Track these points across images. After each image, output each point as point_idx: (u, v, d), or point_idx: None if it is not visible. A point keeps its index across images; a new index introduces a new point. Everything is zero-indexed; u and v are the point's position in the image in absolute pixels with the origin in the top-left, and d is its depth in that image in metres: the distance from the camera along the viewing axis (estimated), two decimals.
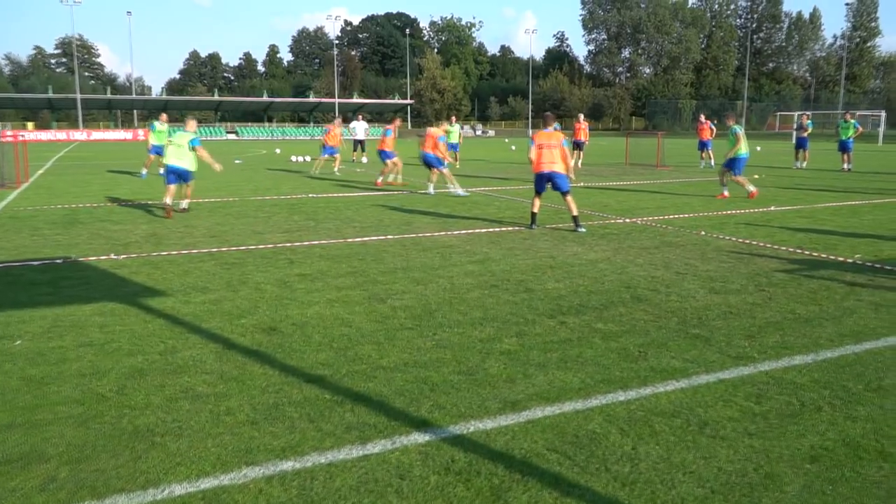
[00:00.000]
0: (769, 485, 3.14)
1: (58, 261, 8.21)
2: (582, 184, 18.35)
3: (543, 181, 10.59)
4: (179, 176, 12.35)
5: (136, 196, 15.65)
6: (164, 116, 20.41)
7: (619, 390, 4.27)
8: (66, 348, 5.03)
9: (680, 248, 8.93)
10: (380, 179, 18.11)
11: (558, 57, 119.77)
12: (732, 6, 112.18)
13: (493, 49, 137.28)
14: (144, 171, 21.09)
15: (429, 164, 15.86)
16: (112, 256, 8.45)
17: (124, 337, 5.30)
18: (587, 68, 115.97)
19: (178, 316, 5.89)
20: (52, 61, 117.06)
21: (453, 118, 27.20)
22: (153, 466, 3.36)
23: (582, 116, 25.53)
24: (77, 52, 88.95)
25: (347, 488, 3.16)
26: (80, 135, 66.74)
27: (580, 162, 25.49)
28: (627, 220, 11.52)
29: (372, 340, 5.26)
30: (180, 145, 12.30)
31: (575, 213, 10.43)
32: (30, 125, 71.77)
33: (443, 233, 10.29)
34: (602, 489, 3.13)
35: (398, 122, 18.95)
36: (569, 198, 10.47)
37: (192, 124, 12.93)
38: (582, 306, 6.18)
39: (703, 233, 10.16)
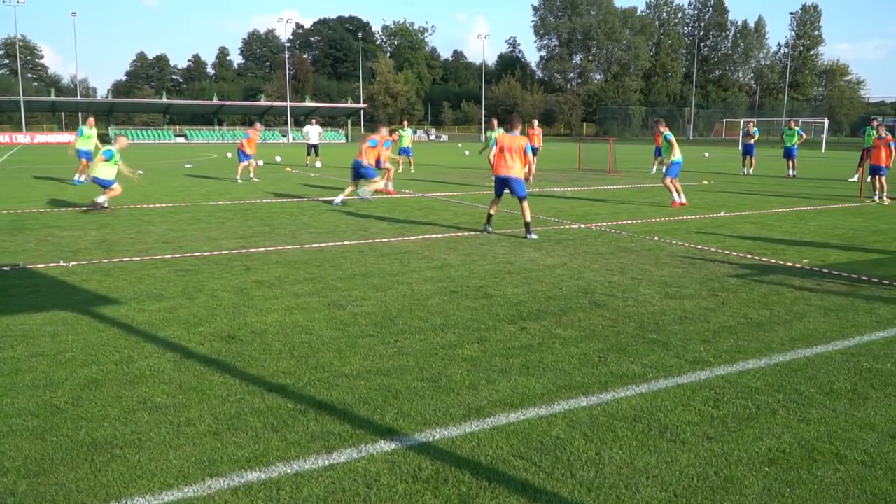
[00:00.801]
0: (729, 488, 3.23)
1: (5, 268, 7.94)
2: (537, 189, 18.54)
3: (501, 185, 10.69)
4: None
5: (83, 201, 15.21)
6: (91, 120, 19.42)
7: (582, 395, 4.34)
8: (18, 359, 4.87)
9: (635, 254, 9.11)
10: (389, 186, 17.71)
11: (511, 62, 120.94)
12: (680, 14, 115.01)
13: (445, 54, 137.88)
14: (79, 178, 19.52)
15: (355, 171, 14.76)
16: (61, 264, 8.21)
17: (77, 347, 5.16)
18: (539, 74, 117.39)
19: (133, 325, 5.76)
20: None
21: (405, 122, 27.17)
22: (114, 480, 3.28)
23: (536, 122, 25.77)
24: (20, 53, 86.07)
25: (315, 498, 3.14)
26: (23, 137, 64.61)
27: (534, 167, 25.72)
28: (582, 226, 11.69)
29: (333, 348, 5.23)
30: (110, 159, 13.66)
31: (528, 219, 10.55)
32: None
33: (400, 238, 10.28)
34: (568, 494, 3.18)
35: (384, 130, 16.29)
36: (524, 203, 10.59)
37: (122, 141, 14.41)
38: (541, 312, 6.25)
39: (656, 238, 10.38)
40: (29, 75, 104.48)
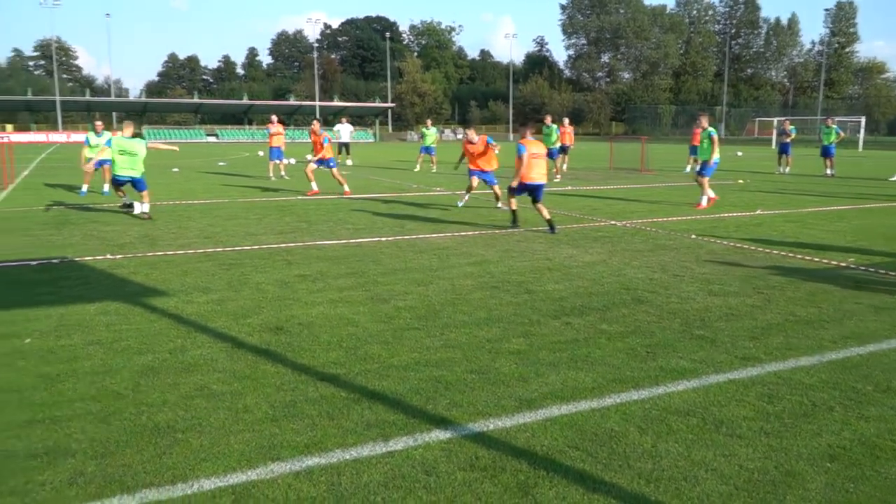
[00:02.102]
0: (791, 482, 3.21)
1: (54, 261, 8.13)
2: (570, 188, 18.49)
3: (526, 190, 10.81)
4: (132, 184, 12.28)
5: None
6: (99, 125, 17.10)
7: (633, 389, 4.33)
8: (76, 347, 5.00)
9: (673, 251, 9.04)
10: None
11: (538, 61, 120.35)
12: (711, 12, 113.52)
13: (472, 53, 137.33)
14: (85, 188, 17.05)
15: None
16: (108, 257, 8.39)
17: (132, 336, 5.27)
18: (567, 73, 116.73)
19: (183, 315, 5.86)
20: (31, 63, 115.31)
21: (429, 121, 27.13)
22: (178, 462, 3.36)
23: (567, 120, 25.66)
24: (55, 55, 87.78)
25: (375, 484, 3.19)
26: (60, 136, 65.91)
27: (565, 166, 25.65)
28: (618, 224, 11.63)
29: (380, 340, 5.28)
30: (133, 153, 12.05)
31: (548, 216, 10.70)
32: (9, 127, 70.64)
33: (436, 235, 10.32)
34: (627, 485, 3.18)
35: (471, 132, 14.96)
36: (540, 205, 10.75)
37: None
38: (585, 307, 6.24)
39: (693, 236, 10.29)
40: (64, 76, 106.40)
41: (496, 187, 13.49)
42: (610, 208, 13.92)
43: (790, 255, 8.89)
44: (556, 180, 20.87)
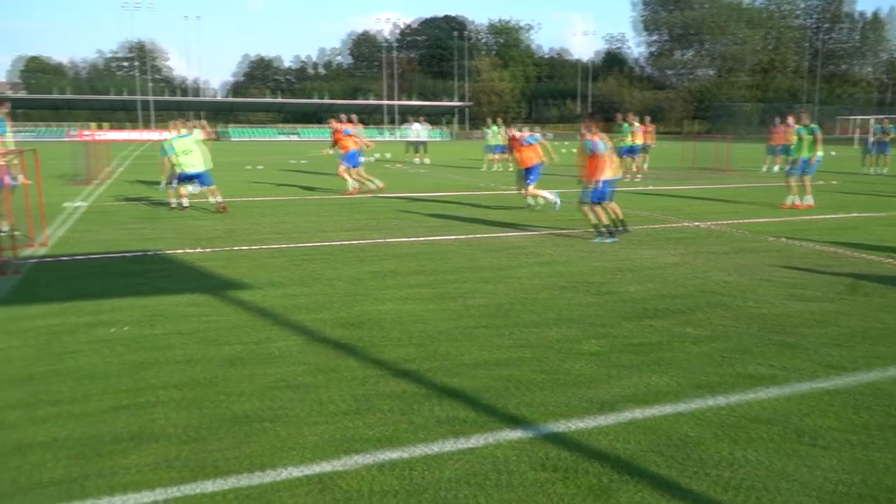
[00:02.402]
0: (879, 497, 3.06)
1: (147, 253, 8.54)
2: (650, 187, 18.11)
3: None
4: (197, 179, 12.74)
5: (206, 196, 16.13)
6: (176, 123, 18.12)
7: (709, 395, 4.21)
8: (162, 336, 5.24)
9: (756, 254, 8.73)
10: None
11: (615, 59, 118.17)
12: (802, 5, 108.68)
13: (548, 51, 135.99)
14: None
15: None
16: (195, 250, 8.74)
17: (215, 327, 5.48)
18: (645, 70, 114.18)
19: (261, 308, 6.05)
20: (125, 64, 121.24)
21: (498, 119, 26.89)
22: (262, 450, 3.47)
23: (647, 119, 25.11)
24: (147, 56, 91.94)
25: (448, 479, 3.21)
26: (152, 135, 69.03)
27: (646, 165, 25.13)
28: (700, 225, 11.31)
29: (449, 338, 5.31)
30: (191, 150, 12.47)
31: (621, 215, 10.08)
32: (104, 125, 74.50)
33: (507, 234, 10.29)
34: (705, 492, 3.10)
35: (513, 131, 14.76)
36: (613, 205, 9.92)
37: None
38: (663, 310, 6.10)
39: (781, 239, 9.90)
40: (156, 76, 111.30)
41: (532, 186, 12.74)
42: (690, 209, 13.55)
43: (884, 260, 8.44)
44: (636, 179, 20.52)
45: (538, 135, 13.48)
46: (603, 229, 9.71)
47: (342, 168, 16.19)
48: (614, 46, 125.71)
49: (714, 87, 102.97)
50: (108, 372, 4.52)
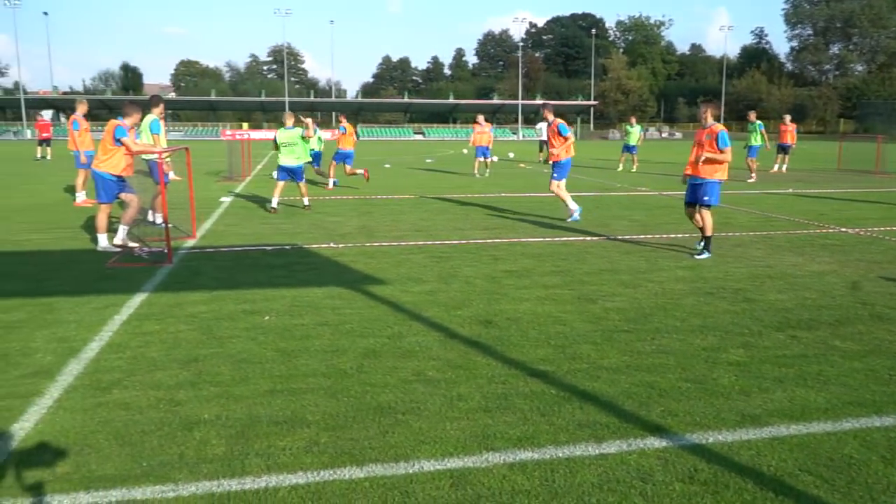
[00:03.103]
0: None
1: (287, 247, 8.98)
2: (790, 190, 17.08)
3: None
4: (291, 173, 12.49)
5: (341, 193, 16.75)
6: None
7: (874, 415, 3.91)
8: (307, 326, 5.48)
9: None
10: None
11: (756, 54, 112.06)
12: None
13: (683, 48, 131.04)
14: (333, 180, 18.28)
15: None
16: (332, 245, 9.09)
17: (355, 319, 5.67)
18: (788, 66, 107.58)
19: (399, 303, 6.20)
20: (265, 68, 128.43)
21: (633, 119, 26.16)
22: (401, 442, 3.56)
23: (788, 118, 23.70)
24: (286, 59, 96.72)
25: (589, 485, 3.16)
26: None
27: (785, 167, 23.74)
28: (850, 231, 10.53)
29: (589, 340, 5.22)
30: (294, 144, 12.33)
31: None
32: (245, 125, 79.16)
33: (642, 236, 10.01)
34: None
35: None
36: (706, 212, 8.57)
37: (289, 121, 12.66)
38: (813, 321, 5.73)
39: None
40: (292, 79, 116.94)
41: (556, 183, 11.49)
42: (839, 214, 12.64)
43: None
44: (749, 181, 19.50)
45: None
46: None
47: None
48: (753, 41, 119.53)
49: (864, 83, 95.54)
50: (264, 357, 4.78)
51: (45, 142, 30.56)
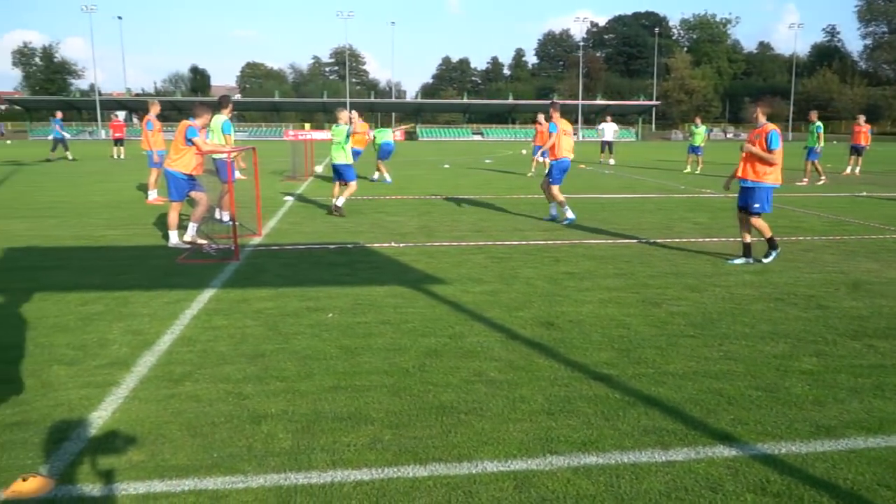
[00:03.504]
0: None
1: (349, 245, 9.09)
2: (864, 193, 16.42)
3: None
4: (338, 173, 12.19)
5: (401, 192, 16.88)
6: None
7: None
8: (369, 324, 5.54)
9: None
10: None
11: (827, 53, 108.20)
12: None
13: (750, 46, 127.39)
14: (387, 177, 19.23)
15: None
16: (393, 244, 9.17)
17: (416, 318, 5.70)
18: (861, 65, 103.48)
19: (460, 303, 6.21)
20: (327, 69, 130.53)
21: (698, 119, 25.51)
22: (463, 441, 3.56)
23: (863, 118, 22.79)
24: (347, 61, 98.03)
25: (656, 492, 3.10)
26: None
27: (858, 169, 22.85)
28: None
29: (653, 345, 5.13)
30: (339, 142, 12.13)
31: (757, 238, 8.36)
32: (307, 126, 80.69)
33: (706, 239, 9.77)
34: None
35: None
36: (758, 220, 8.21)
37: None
38: (891, 330, 5.49)
39: None
40: (353, 80, 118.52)
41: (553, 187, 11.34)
42: None
43: None
44: (819, 183, 18.83)
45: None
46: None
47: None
48: (824, 39, 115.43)
49: None
50: (327, 354, 4.86)
51: (118, 142, 31.75)
